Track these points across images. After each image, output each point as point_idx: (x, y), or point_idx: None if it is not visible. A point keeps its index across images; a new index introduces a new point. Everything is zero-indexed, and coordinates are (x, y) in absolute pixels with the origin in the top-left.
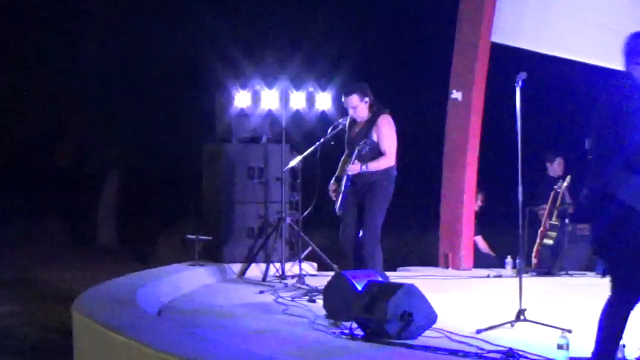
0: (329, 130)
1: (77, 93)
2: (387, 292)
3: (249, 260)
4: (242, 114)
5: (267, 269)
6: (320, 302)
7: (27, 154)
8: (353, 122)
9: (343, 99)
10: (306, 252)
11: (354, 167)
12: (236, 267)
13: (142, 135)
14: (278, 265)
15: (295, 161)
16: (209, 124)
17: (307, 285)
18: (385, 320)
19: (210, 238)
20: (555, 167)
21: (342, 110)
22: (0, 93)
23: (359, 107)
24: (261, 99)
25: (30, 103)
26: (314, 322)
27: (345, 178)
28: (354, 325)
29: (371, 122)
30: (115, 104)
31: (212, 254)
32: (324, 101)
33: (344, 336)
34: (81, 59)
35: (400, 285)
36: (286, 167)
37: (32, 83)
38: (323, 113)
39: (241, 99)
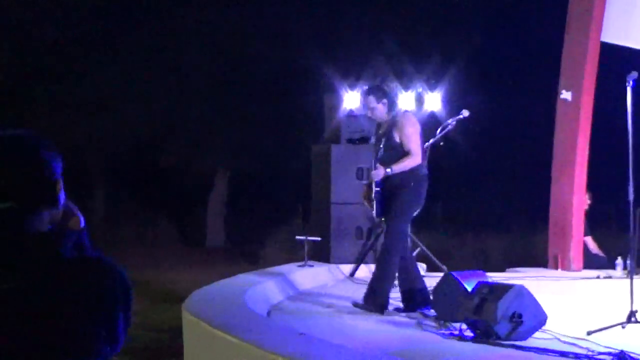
0: (438, 131)
1: (186, 94)
2: (497, 293)
3: (358, 260)
4: (351, 115)
5: None
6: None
7: (138, 155)
8: (379, 125)
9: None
10: (415, 253)
11: (377, 172)
12: (345, 268)
13: (250, 136)
14: None
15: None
16: (316, 125)
17: None
18: (495, 321)
19: (320, 239)
20: None
21: (451, 111)
22: (107, 95)
23: (376, 108)
24: None
25: (138, 104)
26: (423, 322)
27: (374, 184)
28: (463, 326)
29: (392, 122)
30: (223, 105)
31: (322, 255)
32: (433, 102)
33: (453, 337)
34: (188, 59)
35: (510, 286)
36: None
37: (140, 84)
38: (432, 114)
39: (350, 100)
